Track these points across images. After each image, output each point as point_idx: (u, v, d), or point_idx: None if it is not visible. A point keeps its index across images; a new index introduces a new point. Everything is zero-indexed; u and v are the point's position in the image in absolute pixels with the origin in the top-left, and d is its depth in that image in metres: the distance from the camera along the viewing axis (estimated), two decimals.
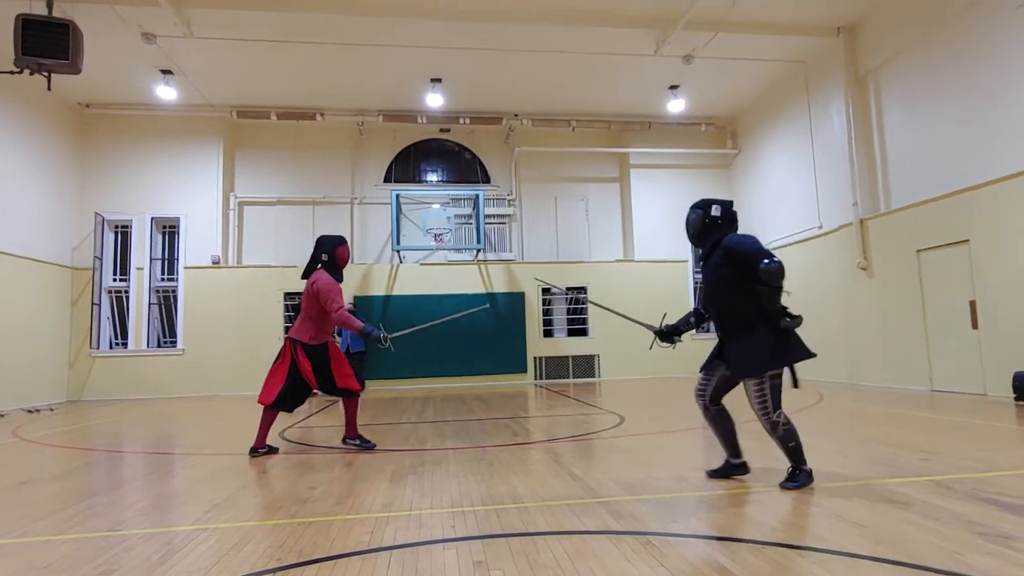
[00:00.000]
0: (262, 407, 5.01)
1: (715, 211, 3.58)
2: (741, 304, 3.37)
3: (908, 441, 4.73)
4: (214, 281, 12.47)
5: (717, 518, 2.88)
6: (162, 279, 12.73)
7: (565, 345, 13.36)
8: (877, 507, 2.95)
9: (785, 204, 12.08)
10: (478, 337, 12.92)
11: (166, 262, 12.84)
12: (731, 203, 3.70)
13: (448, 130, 13.87)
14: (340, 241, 5.16)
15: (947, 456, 4.12)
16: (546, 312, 13.50)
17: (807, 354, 3.34)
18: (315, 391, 5.12)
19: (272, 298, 12.59)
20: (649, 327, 3.96)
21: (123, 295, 12.45)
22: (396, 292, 12.96)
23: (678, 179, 14.06)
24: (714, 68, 11.39)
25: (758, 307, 3.30)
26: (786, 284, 3.31)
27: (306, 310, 5.00)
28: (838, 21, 10.02)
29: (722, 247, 3.45)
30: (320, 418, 7.66)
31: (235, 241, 13.00)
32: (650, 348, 4.10)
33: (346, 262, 5.21)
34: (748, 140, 13.53)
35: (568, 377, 13.20)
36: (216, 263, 12.55)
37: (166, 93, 11.29)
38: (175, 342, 12.34)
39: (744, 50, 10.73)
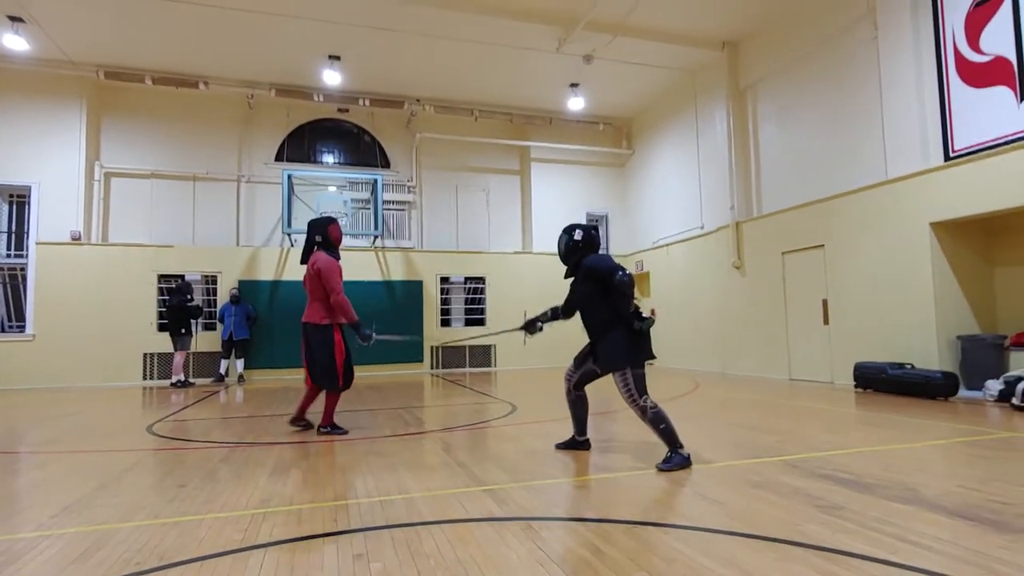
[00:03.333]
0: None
1: (577, 235, 4.12)
2: (601, 313, 3.92)
3: (766, 426, 5.23)
4: (74, 260, 11.18)
5: (596, 501, 3.03)
6: (8, 255, 11.24)
7: (462, 334, 13.38)
8: (735, 486, 3.24)
9: (672, 205, 12.84)
10: (372, 325, 12.59)
11: (13, 236, 11.34)
12: (594, 227, 4.25)
13: (347, 111, 13.34)
14: (330, 220, 5.29)
15: (797, 438, 4.60)
16: (444, 301, 13.44)
17: (649, 356, 3.92)
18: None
19: (144, 280, 11.52)
20: (514, 329, 4.56)
21: None
22: (286, 277, 12.32)
23: (576, 175, 14.50)
24: (613, 70, 11.83)
25: (615, 313, 3.84)
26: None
27: (312, 293, 5.09)
28: (723, 37, 10.76)
29: (582, 267, 3.98)
30: (194, 411, 7.14)
31: (100, 216, 11.73)
32: (524, 344, 4.56)
33: (339, 240, 5.32)
34: (641, 142, 14.21)
35: (465, 367, 13.26)
36: (77, 239, 11.26)
37: (15, 43, 9.90)
38: (23, 327, 10.96)
39: (640, 55, 11.23)
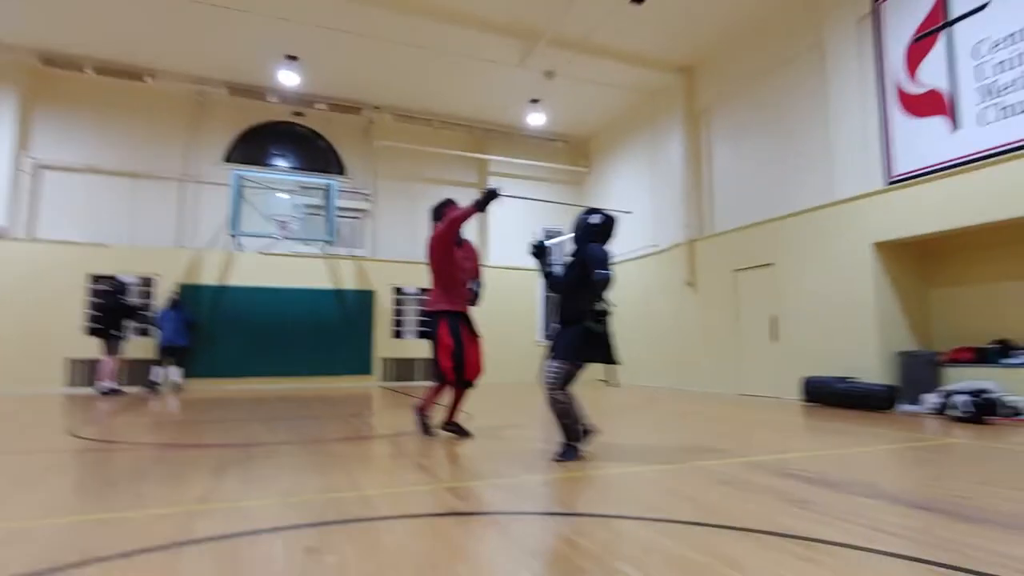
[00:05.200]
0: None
1: (595, 219, 4.02)
2: (575, 301, 3.89)
3: (724, 433, 5.24)
4: None
5: (563, 497, 2.91)
6: None
7: (415, 347, 13.07)
8: (703, 484, 3.19)
9: (627, 223, 12.97)
10: (321, 335, 12.17)
11: None
12: (614, 220, 4.09)
13: (302, 114, 12.99)
14: (448, 201, 4.99)
15: (755, 443, 4.62)
16: (397, 312, 13.12)
17: (609, 360, 3.87)
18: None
19: (73, 281, 10.74)
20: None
21: None
22: (231, 283, 11.75)
23: (534, 190, 14.53)
24: (573, 88, 12.00)
25: (585, 308, 3.80)
26: (613, 298, 3.87)
27: (431, 276, 4.77)
28: (679, 61, 11.11)
29: (583, 251, 3.93)
30: (124, 416, 6.61)
31: (27, 210, 10.93)
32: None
33: (460, 215, 4.82)
34: (598, 160, 14.44)
35: (416, 379, 12.93)
36: (0, 234, 10.44)
37: None
38: None
39: (600, 75, 11.45)
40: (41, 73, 11.07)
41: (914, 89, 7.32)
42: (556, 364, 3.80)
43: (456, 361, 4.62)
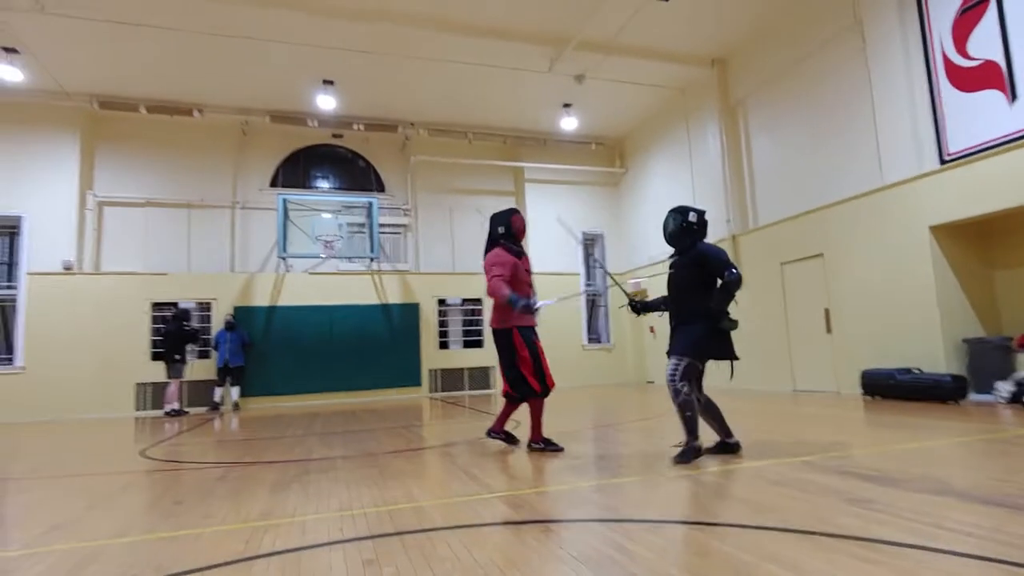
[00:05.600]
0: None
1: (692, 217, 4.07)
2: (692, 300, 3.95)
3: (777, 431, 5.10)
4: (65, 289, 11.02)
5: (613, 503, 2.90)
6: None
7: (461, 357, 13.22)
8: (757, 485, 3.12)
9: None
10: (369, 350, 12.45)
11: (3, 267, 11.18)
12: (704, 212, 4.17)
13: (341, 136, 13.39)
14: (512, 212, 4.89)
15: (811, 441, 4.48)
16: (442, 324, 13.31)
17: (730, 356, 3.98)
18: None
19: (137, 309, 11.35)
20: (627, 295, 4.50)
21: None
22: (282, 303, 12.18)
23: (570, 194, 14.52)
24: (604, 90, 11.96)
25: (705, 306, 3.87)
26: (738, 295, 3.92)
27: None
28: (712, 54, 10.92)
29: (696, 251, 3.99)
30: (189, 436, 6.94)
31: (93, 245, 11.62)
32: (619, 307, 4.48)
33: (523, 232, 4.91)
34: (634, 160, 14.30)
35: (464, 389, 13.06)
36: (69, 269, 11.13)
37: (9, 74, 9.92)
38: (11, 359, 10.73)
39: (631, 74, 11.37)
40: (98, 116, 11.78)
41: (965, 63, 6.98)
42: (675, 359, 3.88)
43: (538, 370, 4.55)
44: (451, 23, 9.63)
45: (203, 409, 11.18)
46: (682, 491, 3.09)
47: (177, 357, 10.32)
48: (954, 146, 7.07)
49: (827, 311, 8.74)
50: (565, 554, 2.18)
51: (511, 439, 4.88)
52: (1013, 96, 6.49)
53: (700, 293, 3.91)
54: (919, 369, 7.19)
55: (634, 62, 10.84)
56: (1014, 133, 6.45)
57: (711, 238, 10.98)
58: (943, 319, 7.15)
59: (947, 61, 7.15)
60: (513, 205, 14.42)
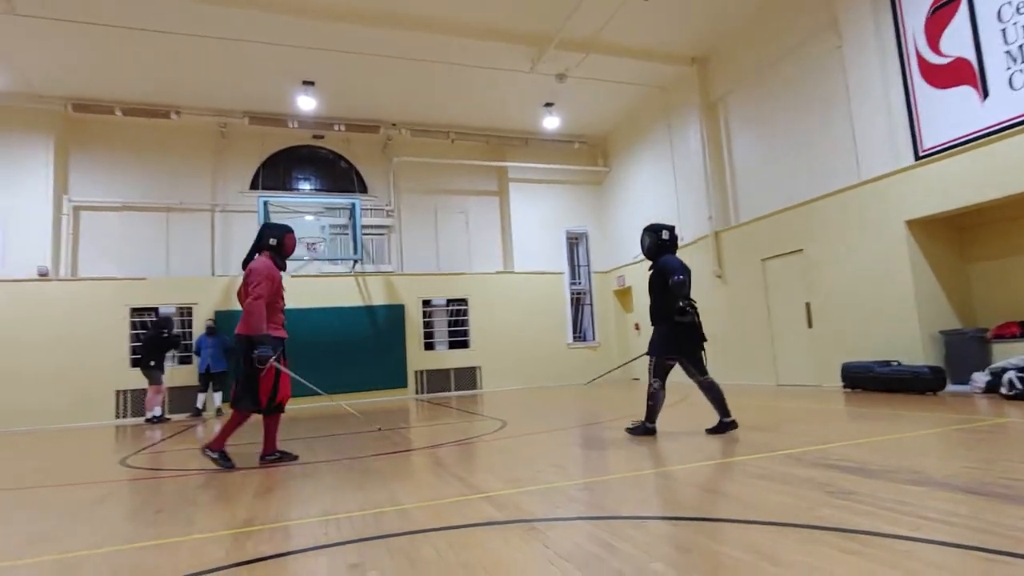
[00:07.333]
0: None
1: (664, 235, 4.95)
2: (658, 304, 4.86)
3: (759, 425, 5.16)
4: (40, 296, 10.80)
5: (598, 501, 2.90)
6: None
7: (447, 358, 13.18)
8: (739, 479, 3.15)
9: (650, 219, 12.87)
10: (355, 352, 12.36)
11: None
12: (674, 227, 5.07)
13: (322, 137, 13.28)
14: (287, 229, 4.84)
15: (792, 434, 4.53)
16: (427, 324, 13.26)
17: (695, 347, 4.80)
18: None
19: (116, 315, 11.16)
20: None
21: None
22: None
23: (555, 194, 14.56)
24: (586, 88, 12.00)
25: (666, 308, 4.76)
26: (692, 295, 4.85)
27: (243, 301, 4.56)
28: (691, 52, 11.01)
29: (659, 262, 4.87)
30: (171, 443, 6.83)
31: (69, 250, 11.40)
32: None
33: (292, 252, 4.86)
34: (617, 158, 14.37)
35: (450, 390, 13.02)
36: (44, 275, 10.90)
37: None
38: None
39: (613, 73, 11.42)
40: (73, 119, 11.56)
41: (938, 60, 7.12)
42: (651, 360, 4.86)
43: (274, 390, 4.58)
44: (432, 23, 9.59)
45: (185, 415, 11.01)
46: (667, 487, 3.10)
47: (152, 363, 10.13)
48: (928, 142, 7.20)
49: (808, 306, 8.85)
50: (551, 553, 2.17)
51: (287, 455, 4.84)
52: (985, 93, 6.62)
53: (662, 298, 4.77)
54: (898, 362, 7.31)
55: (615, 60, 10.89)
56: (986, 128, 6.58)
57: (692, 235, 11.20)
58: (920, 312, 7.28)
59: (920, 59, 7.28)
60: (498, 208, 14.42)
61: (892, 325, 7.55)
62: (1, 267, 10.70)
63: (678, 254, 5.03)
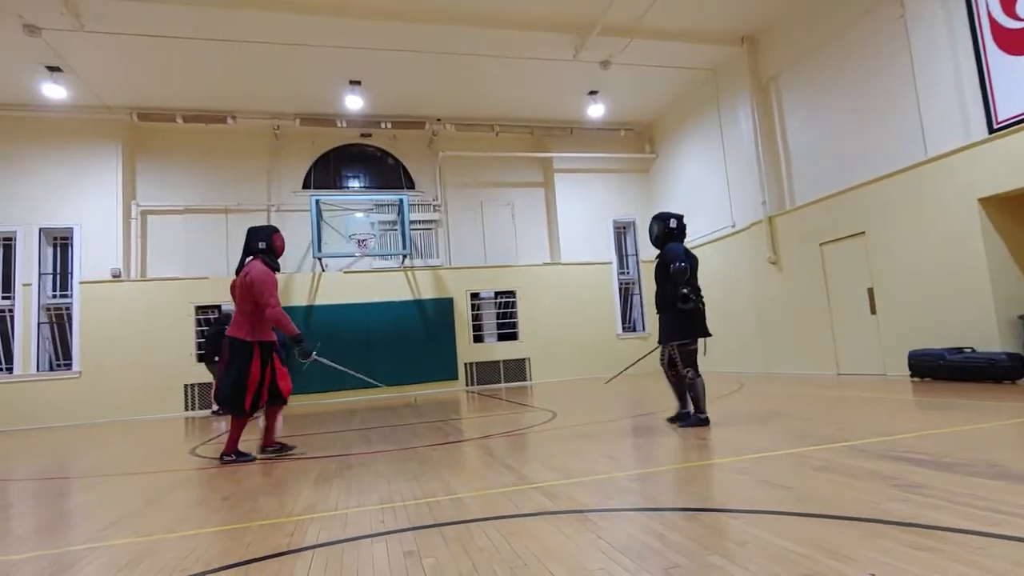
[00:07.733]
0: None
1: (672, 224, 4.96)
2: (666, 292, 4.85)
3: (821, 416, 4.97)
4: (115, 296, 11.49)
5: (651, 492, 2.87)
6: (54, 296, 11.60)
7: (496, 350, 13.28)
8: (800, 471, 3.05)
9: (701, 205, 12.61)
10: (405, 345, 12.61)
11: (58, 277, 11.72)
12: (682, 216, 5.08)
13: (369, 135, 13.55)
14: (273, 229, 5.03)
15: (857, 426, 4.35)
16: (475, 317, 13.38)
17: (702, 334, 4.79)
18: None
19: (182, 312, 11.75)
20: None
21: (6, 315, 11.23)
22: (319, 302, 12.43)
23: (601, 183, 14.39)
24: (631, 74, 11.77)
25: (671, 295, 4.75)
26: (701, 281, 5.06)
27: (239, 304, 4.77)
28: (741, 32, 10.62)
29: (665, 250, 4.88)
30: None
31: (138, 252, 12.06)
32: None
33: (282, 251, 5.07)
34: (664, 145, 14.06)
35: (500, 382, 13.12)
36: (117, 276, 11.59)
37: (54, 92, 10.34)
38: (70, 364, 11.25)
39: (657, 57, 11.16)
40: (138, 128, 12.19)
41: (1013, 24, 6.63)
42: (665, 348, 4.91)
43: (257, 393, 4.75)
44: (473, 16, 9.61)
45: None
46: (720, 479, 3.04)
47: (216, 358, 10.61)
48: (1004, 113, 6.73)
49: (871, 291, 8.45)
50: (603, 543, 2.17)
51: (285, 448, 5.05)
52: None
53: (667, 286, 4.81)
54: (972, 348, 6.90)
55: (660, 44, 10.63)
56: None
57: (745, 221, 10.85)
58: (996, 295, 6.83)
59: (994, 23, 6.79)
60: (543, 199, 14.36)
61: (964, 310, 7.12)
62: (80, 269, 11.43)
63: (687, 243, 5.08)
